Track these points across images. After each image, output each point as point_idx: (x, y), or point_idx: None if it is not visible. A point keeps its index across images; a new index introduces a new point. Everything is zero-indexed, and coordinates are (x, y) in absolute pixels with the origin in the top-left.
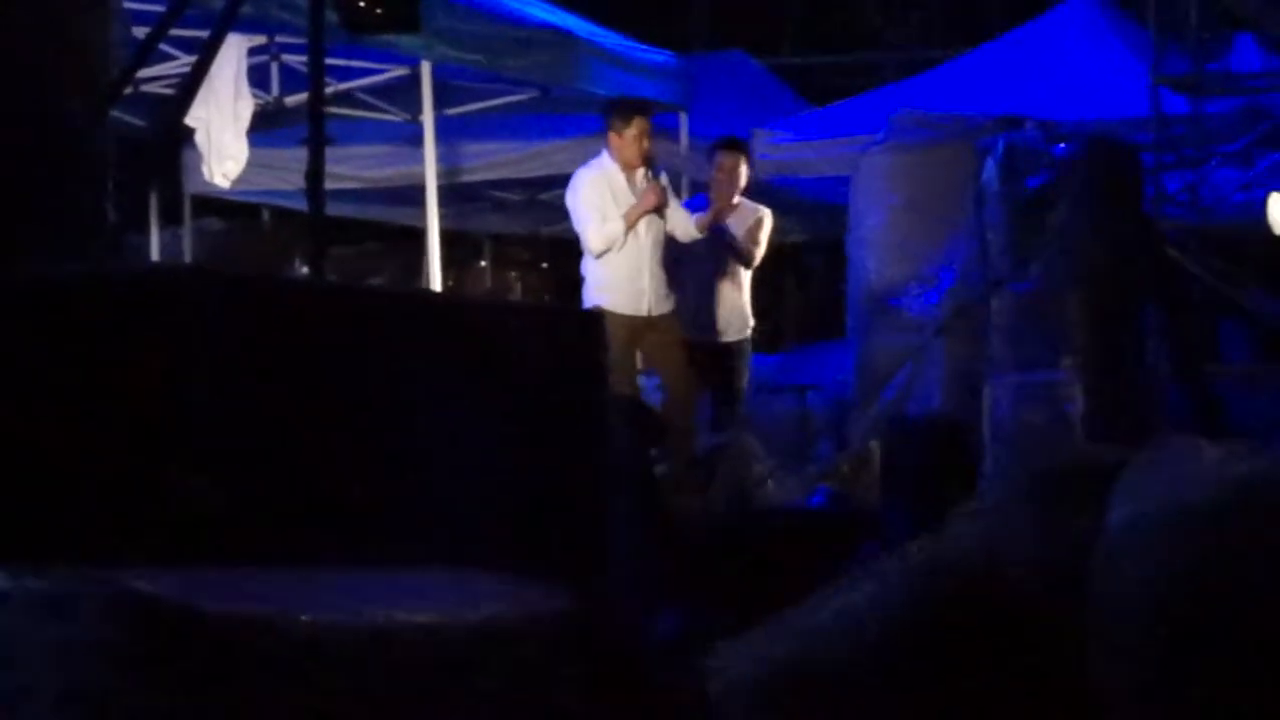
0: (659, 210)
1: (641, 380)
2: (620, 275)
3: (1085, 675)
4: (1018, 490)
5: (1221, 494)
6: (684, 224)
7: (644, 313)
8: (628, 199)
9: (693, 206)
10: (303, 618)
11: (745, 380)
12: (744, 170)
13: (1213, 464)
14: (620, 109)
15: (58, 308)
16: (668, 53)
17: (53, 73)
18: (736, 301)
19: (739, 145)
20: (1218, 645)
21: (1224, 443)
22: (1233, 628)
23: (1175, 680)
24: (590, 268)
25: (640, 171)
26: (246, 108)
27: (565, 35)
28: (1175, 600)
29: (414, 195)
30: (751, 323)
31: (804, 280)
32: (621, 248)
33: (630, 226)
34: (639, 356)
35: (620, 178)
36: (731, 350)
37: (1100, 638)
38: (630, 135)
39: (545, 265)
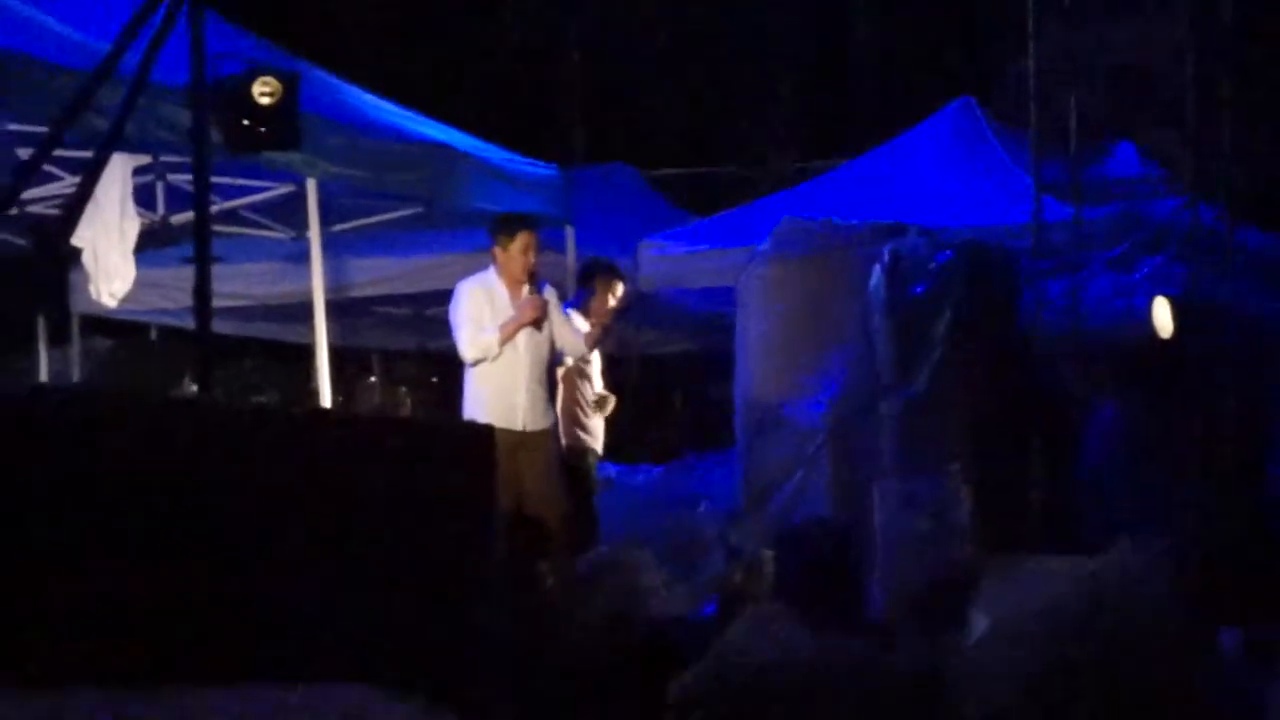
0: (537, 324)
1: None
2: (495, 389)
3: None
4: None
5: (1065, 595)
6: (573, 341)
7: (518, 428)
8: (508, 313)
9: (569, 305)
10: None
11: None
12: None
13: (1054, 572)
14: (505, 224)
15: None
16: (551, 166)
17: None
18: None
19: (619, 270)
20: None
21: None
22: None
23: None
24: (469, 381)
25: (525, 287)
26: (133, 227)
27: (448, 150)
28: (1032, 693)
29: (302, 312)
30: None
31: (691, 391)
32: (496, 360)
33: (506, 339)
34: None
35: (503, 292)
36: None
37: None
38: (515, 250)
39: (435, 380)
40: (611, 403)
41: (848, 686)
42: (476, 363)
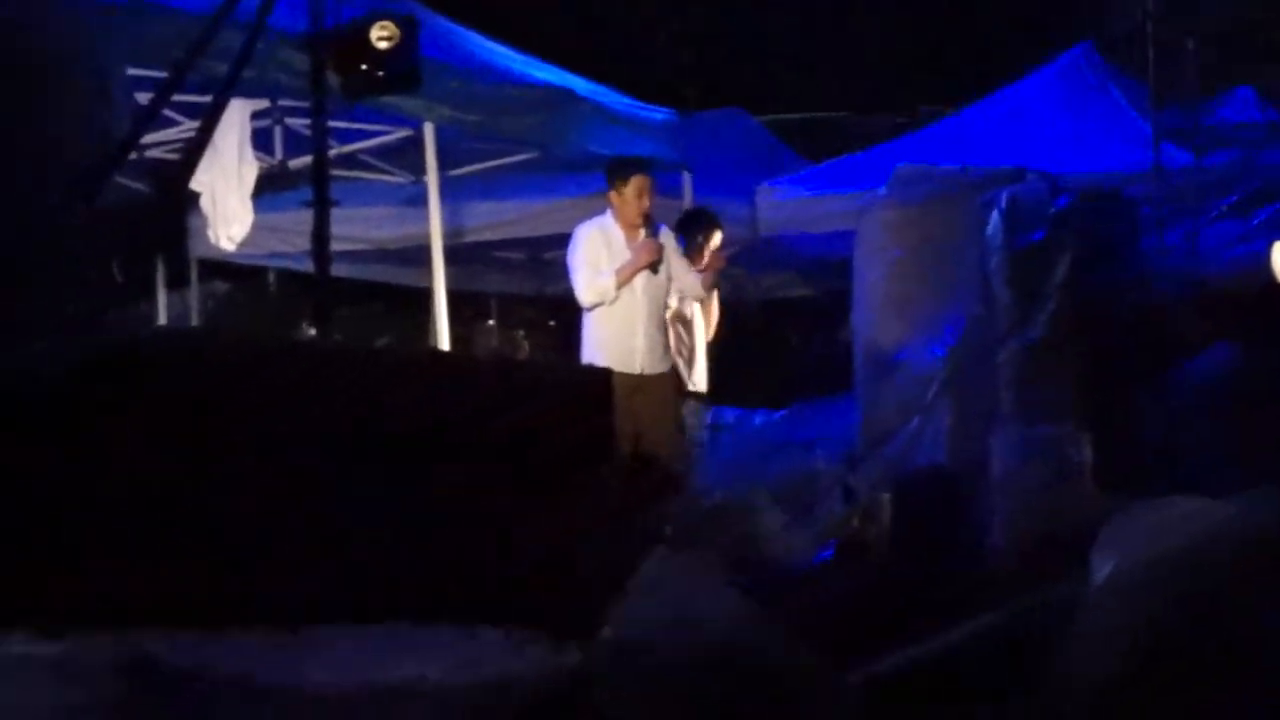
0: (654, 268)
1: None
2: (613, 333)
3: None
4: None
5: (1196, 539)
6: (693, 284)
7: (636, 371)
8: (625, 256)
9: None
10: (311, 678)
11: None
12: None
13: (1182, 518)
14: (619, 167)
15: (64, 373)
16: (669, 111)
17: (56, 139)
18: None
19: (718, 219)
20: (1194, 687)
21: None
22: (1205, 667)
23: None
24: (587, 325)
25: (641, 231)
26: (251, 171)
27: (566, 94)
28: (1154, 644)
29: (419, 256)
30: None
31: (809, 336)
32: (614, 303)
33: (623, 283)
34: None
35: (620, 236)
36: None
37: (1084, 680)
38: (629, 193)
39: (552, 324)
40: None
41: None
42: (594, 307)
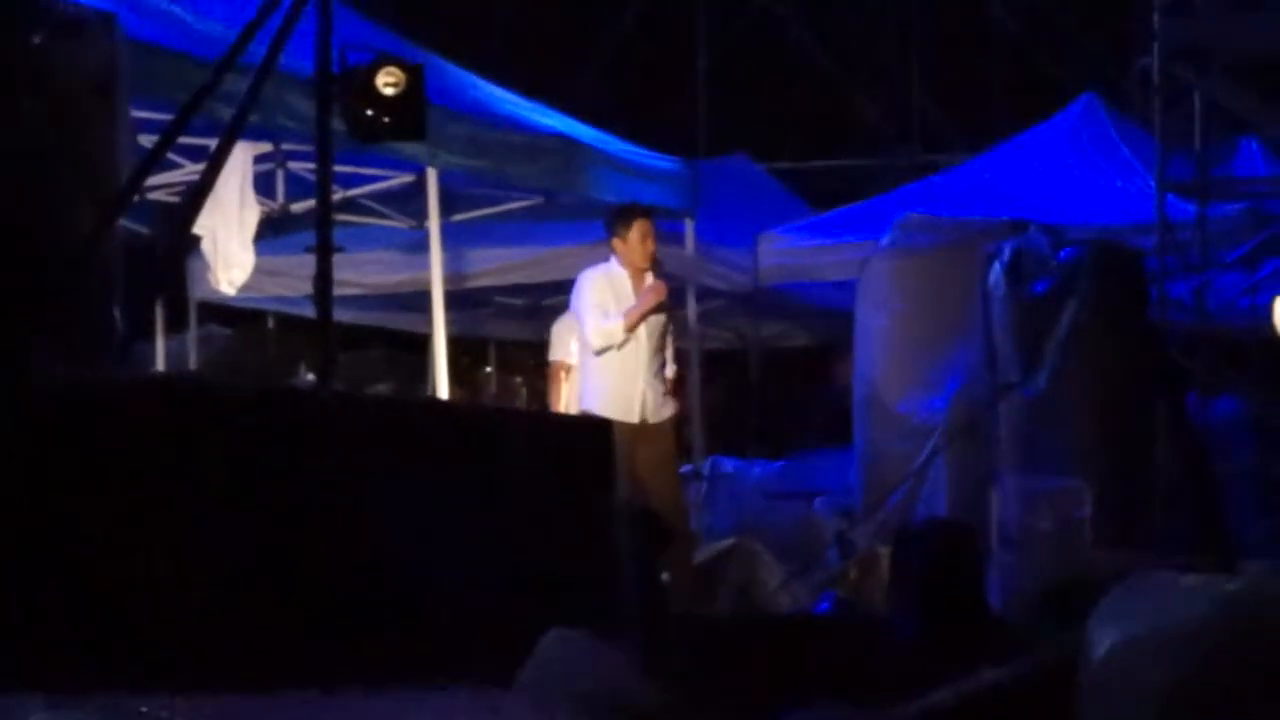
0: (661, 310)
1: None
2: (615, 380)
3: None
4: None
5: (1203, 617)
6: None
7: (636, 420)
8: (631, 302)
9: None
10: None
11: None
12: None
13: (1190, 589)
14: (621, 214)
15: (65, 414)
16: (672, 158)
17: (60, 180)
18: None
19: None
20: None
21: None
22: None
23: None
24: (585, 371)
25: (648, 275)
26: (253, 215)
27: (570, 142)
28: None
29: (419, 301)
30: None
31: (810, 386)
32: (620, 348)
33: (631, 326)
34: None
35: (626, 282)
36: None
37: None
38: (634, 238)
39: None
40: None
41: None
42: (601, 351)
